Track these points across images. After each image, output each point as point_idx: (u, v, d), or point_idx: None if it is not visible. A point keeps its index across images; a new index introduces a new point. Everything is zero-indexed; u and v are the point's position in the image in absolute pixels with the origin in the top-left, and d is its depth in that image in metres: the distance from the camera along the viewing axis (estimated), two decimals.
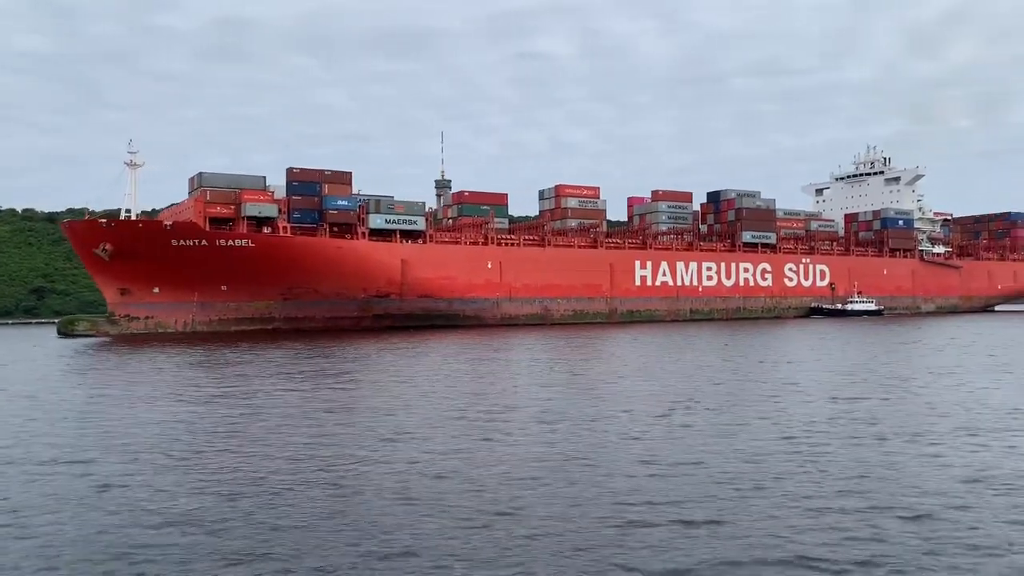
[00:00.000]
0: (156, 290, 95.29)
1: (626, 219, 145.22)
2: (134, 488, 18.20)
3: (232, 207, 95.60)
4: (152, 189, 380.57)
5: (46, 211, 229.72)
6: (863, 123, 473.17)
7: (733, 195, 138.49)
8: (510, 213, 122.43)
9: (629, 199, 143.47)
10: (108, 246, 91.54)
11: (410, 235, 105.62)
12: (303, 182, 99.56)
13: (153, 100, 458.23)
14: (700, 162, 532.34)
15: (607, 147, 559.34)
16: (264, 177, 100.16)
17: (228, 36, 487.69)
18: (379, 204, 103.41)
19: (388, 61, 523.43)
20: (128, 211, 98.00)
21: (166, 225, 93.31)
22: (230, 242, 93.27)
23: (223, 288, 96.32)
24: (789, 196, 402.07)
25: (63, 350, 71.82)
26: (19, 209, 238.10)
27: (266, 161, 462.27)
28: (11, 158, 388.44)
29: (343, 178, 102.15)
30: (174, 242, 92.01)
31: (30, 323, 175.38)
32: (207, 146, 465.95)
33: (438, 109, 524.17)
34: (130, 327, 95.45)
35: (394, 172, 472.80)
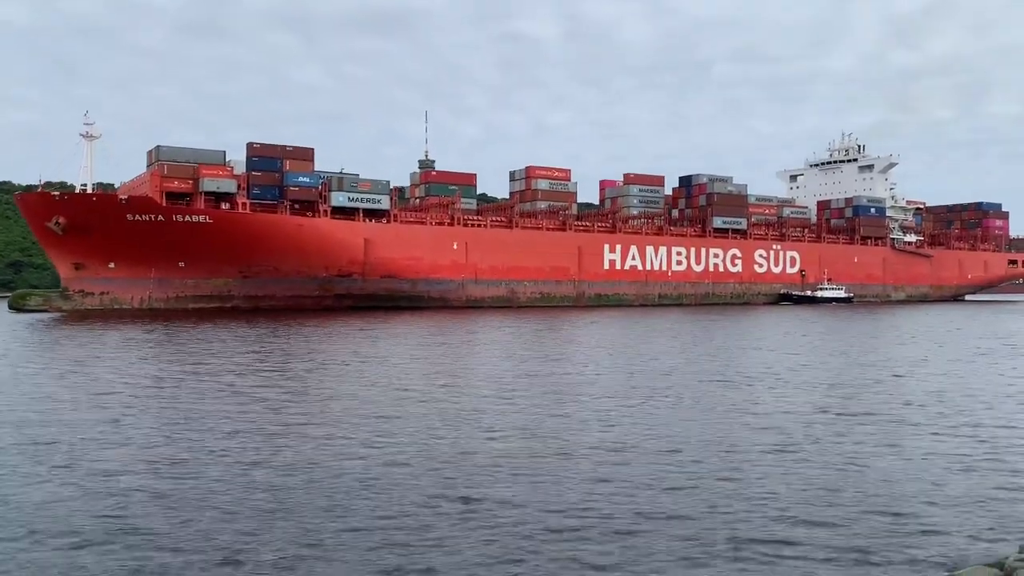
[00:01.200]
0: (111, 265, 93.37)
1: (598, 202, 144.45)
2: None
3: (190, 182, 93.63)
4: (124, 165, 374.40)
5: (24, 184, 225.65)
6: (844, 112, 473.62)
7: (705, 180, 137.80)
8: (489, 194, 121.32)
9: (601, 182, 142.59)
10: (61, 220, 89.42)
11: (374, 214, 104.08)
12: (263, 158, 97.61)
13: (129, 75, 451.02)
14: (682, 147, 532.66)
15: (589, 131, 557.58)
16: (224, 152, 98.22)
17: (205, 12, 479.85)
18: (342, 182, 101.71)
19: (368, 40, 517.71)
20: (84, 184, 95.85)
21: (121, 199, 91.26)
22: (187, 218, 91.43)
23: (181, 264, 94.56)
24: (770, 183, 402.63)
25: (5, 325, 70.04)
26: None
27: (242, 139, 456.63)
28: None
29: (305, 154, 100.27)
30: (129, 217, 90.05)
31: (6, 297, 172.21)
32: (183, 123, 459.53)
33: (419, 90, 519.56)
34: (84, 303, 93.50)
35: (376, 152, 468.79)
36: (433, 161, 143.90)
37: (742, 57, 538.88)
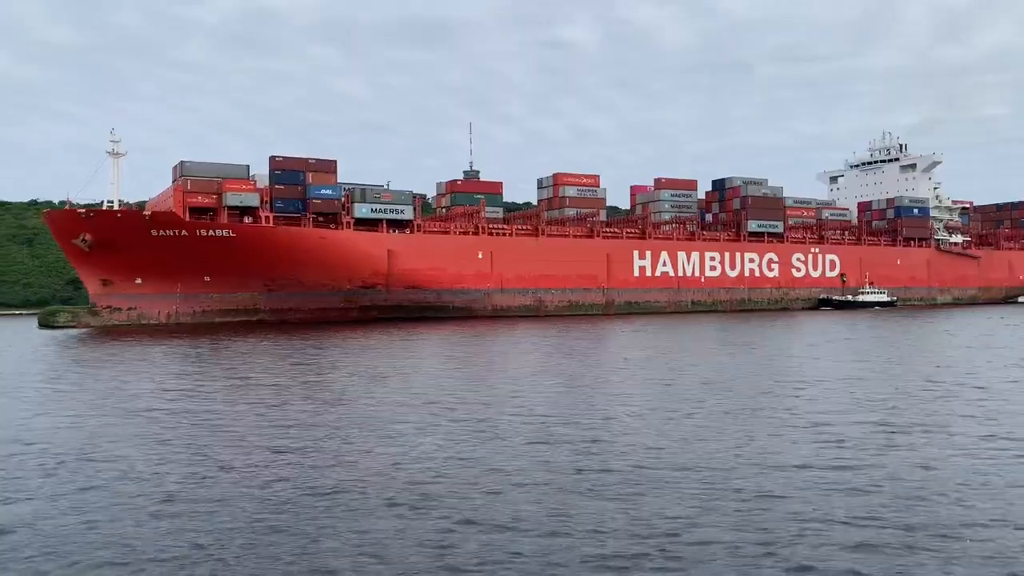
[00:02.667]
0: (138, 281, 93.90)
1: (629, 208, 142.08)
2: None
3: (214, 196, 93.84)
4: (168, 179, 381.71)
5: (82, 203, 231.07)
6: (890, 110, 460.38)
7: (738, 183, 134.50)
8: (533, 202, 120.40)
9: (632, 187, 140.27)
10: (88, 236, 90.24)
11: (398, 225, 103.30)
12: (286, 171, 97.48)
13: (175, 89, 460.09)
14: (723, 150, 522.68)
15: (628, 135, 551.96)
16: (248, 166, 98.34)
17: (248, 26, 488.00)
18: (364, 193, 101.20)
19: (409, 50, 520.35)
20: (111, 201, 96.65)
21: (145, 215, 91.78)
22: (210, 232, 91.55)
23: (206, 279, 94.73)
24: (812, 185, 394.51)
25: (35, 342, 70.42)
26: (56, 201, 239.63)
27: (285, 151, 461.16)
28: (46, 150, 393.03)
29: (328, 167, 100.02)
30: (154, 232, 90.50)
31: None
32: (228, 135, 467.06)
33: (459, 98, 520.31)
34: (112, 318, 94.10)
35: (417, 162, 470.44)
36: (478, 171, 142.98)
37: (784, 57, 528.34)
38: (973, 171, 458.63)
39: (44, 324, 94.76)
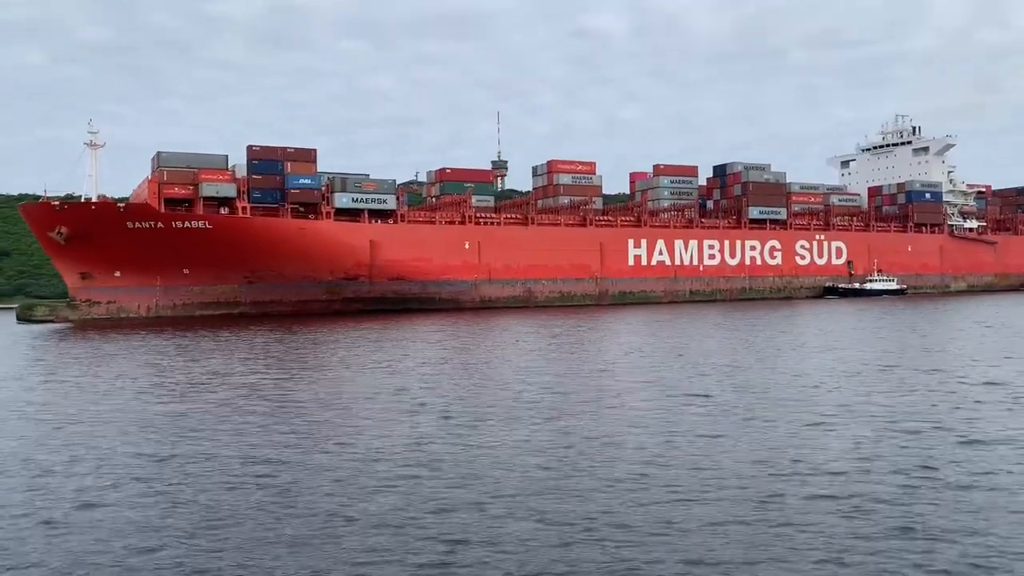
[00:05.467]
0: (117, 274, 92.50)
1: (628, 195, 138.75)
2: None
3: (190, 187, 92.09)
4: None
5: (117, 197, 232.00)
6: (927, 94, 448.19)
7: (740, 168, 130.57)
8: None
9: (631, 174, 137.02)
10: (63, 229, 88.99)
11: (380, 215, 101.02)
12: (264, 160, 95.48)
13: (209, 87, 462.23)
14: (759, 139, 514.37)
15: (661, 125, 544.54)
16: (226, 156, 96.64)
17: (279, 22, 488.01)
18: (345, 182, 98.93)
19: (439, 43, 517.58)
20: (89, 195, 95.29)
21: (119, 207, 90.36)
22: (186, 224, 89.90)
23: (185, 272, 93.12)
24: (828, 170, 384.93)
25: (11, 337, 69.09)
26: (93, 196, 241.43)
27: (316, 146, 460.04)
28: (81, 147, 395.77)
29: (307, 155, 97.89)
30: (129, 224, 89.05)
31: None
32: (260, 132, 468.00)
33: (490, 90, 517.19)
34: (91, 312, 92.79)
35: (448, 155, 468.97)
36: (506, 161, 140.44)
37: (818, 42, 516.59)
38: (1005, 155, 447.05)
39: (22, 318, 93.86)
